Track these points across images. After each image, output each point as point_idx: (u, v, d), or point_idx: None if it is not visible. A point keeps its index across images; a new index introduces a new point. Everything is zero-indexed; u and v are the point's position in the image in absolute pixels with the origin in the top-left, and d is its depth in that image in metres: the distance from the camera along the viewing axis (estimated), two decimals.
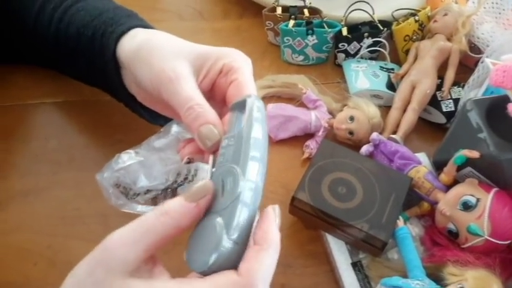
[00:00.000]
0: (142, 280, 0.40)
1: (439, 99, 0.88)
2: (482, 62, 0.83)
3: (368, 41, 0.95)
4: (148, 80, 0.56)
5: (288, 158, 0.83)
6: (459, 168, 0.70)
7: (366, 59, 0.98)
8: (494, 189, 0.66)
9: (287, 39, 0.94)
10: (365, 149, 0.78)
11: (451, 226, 0.67)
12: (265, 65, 0.98)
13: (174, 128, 0.69)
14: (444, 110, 0.87)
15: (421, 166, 0.74)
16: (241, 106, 0.48)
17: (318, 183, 0.69)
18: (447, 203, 0.67)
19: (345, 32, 0.94)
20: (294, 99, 0.90)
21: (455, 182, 0.71)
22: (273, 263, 0.42)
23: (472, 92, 0.85)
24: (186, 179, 0.69)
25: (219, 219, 0.41)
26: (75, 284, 0.40)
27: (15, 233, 0.70)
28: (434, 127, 0.89)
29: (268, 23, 0.98)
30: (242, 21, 1.07)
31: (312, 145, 0.83)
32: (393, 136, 0.82)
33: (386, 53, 0.96)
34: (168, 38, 0.60)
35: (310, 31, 0.93)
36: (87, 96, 0.86)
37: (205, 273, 0.40)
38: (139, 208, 0.65)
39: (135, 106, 0.69)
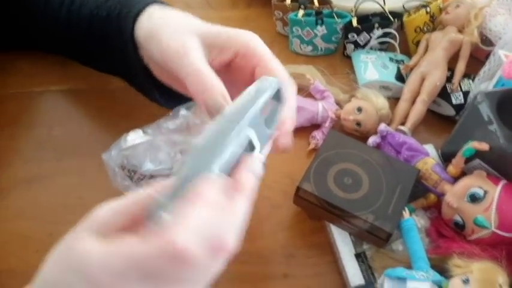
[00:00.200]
0: (98, 241, 0.38)
1: (449, 91, 0.86)
2: (493, 55, 0.82)
3: (378, 32, 0.94)
4: (159, 54, 0.56)
5: (293, 148, 0.82)
6: (467, 160, 0.69)
7: (375, 50, 0.97)
8: (503, 182, 0.65)
9: (296, 29, 0.93)
10: (372, 140, 0.77)
11: (457, 218, 0.65)
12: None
13: (183, 112, 0.68)
14: (454, 102, 0.85)
15: (428, 158, 0.72)
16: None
17: (323, 174, 0.68)
18: (454, 194, 0.66)
19: (354, 22, 0.94)
20: (302, 89, 0.89)
21: (463, 174, 0.70)
22: (208, 216, 0.37)
23: (483, 84, 0.83)
24: None
25: None
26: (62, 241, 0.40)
27: (17, 220, 0.70)
28: (443, 119, 0.87)
29: (277, 13, 0.97)
30: (250, 10, 1.07)
31: (318, 136, 0.82)
32: (401, 127, 0.81)
33: (396, 44, 0.95)
34: (180, 15, 0.60)
35: (319, 21, 0.92)
36: (93, 85, 0.86)
37: None
38: None
39: (149, 88, 0.69)
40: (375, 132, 0.78)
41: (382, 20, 0.94)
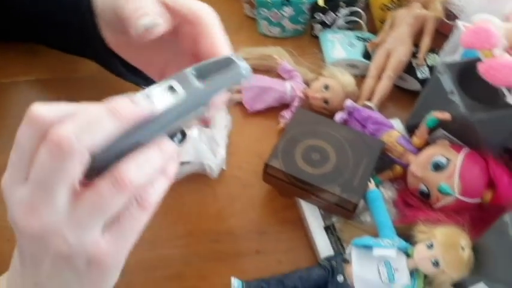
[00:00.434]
0: None
1: (415, 66, 0.88)
2: (457, 29, 0.83)
3: (344, 11, 0.94)
4: (110, 9, 0.55)
5: (263, 128, 0.83)
6: (431, 130, 0.71)
7: (342, 29, 0.97)
8: (465, 150, 0.66)
9: (263, 11, 0.94)
10: (339, 116, 0.78)
11: (422, 187, 0.67)
12: (242, 39, 0.98)
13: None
14: (419, 76, 0.86)
15: (393, 130, 0.74)
16: (222, 64, 0.44)
17: (291, 151, 0.69)
18: (418, 164, 0.67)
19: (321, 2, 0.94)
20: (271, 71, 0.90)
21: (428, 144, 0.71)
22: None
23: (447, 58, 0.85)
24: None
25: None
26: None
27: None
28: (409, 94, 0.88)
29: None
30: None
31: (287, 115, 0.83)
32: (367, 103, 0.82)
33: (362, 23, 0.96)
34: None
35: (285, 2, 0.93)
36: (59, 74, 0.86)
37: None
38: None
39: (111, 60, 0.68)
40: (343, 109, 0.79)
41: None
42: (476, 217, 0.64)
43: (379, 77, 0.86)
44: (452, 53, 0.84)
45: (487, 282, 0.58)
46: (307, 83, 0.86)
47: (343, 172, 0.67)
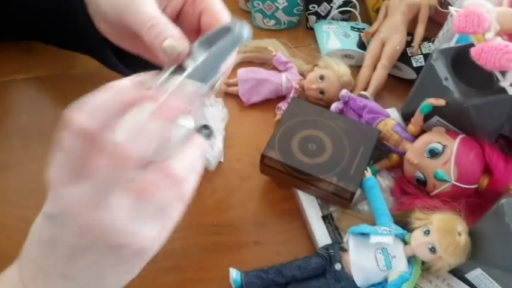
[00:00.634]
0: None
1: (410, 55, 0.88)
2: (451, 16, 0.83)
3: (338, 2, 0.94)
4: (109, 7, 0.55)
5: (260, 120, 0.84)
6: (426, 118, 0.71)
7: (337, 20, 0.98)
8: (461, 136, 0.67)
9: (257, 3, 0.94)
10: (335, 106, 0.78)
11: (419, 174, 0.67)
12: None
13: None
14: (414, 65, 0.87)
15: (389, 119, 0.74)
16: (223, 32, 0.46)
17: (288, 141, 0.69)
18: (414, 151, 0.68)
19: None
20: (266, 63, 0.90)
21: (423, 132, 0.71)
22: (102, 98, 0.41)
23: (442, 46, 0.84)
24: None
25: None
26: None
27: None
28: (405, 83, 0.88)
29: None
30: None
31: (283, 107, 0.83)
32: (363, 92, 0.82)
33: (357, 13, 0.96)
34: None
35: None
36: (56, 71, 0.86)
37: None
38: None
39: (106, 54, 0.68)
40: (338, 100, 0.79)
41: None
42: (472, 203, 0.64)
43: (374, 67, 0.86)
44: (447, 41, 0.84)
45: (484, 267, 0.58)
46: (302, 75, 0.87)
47: (340, 161, 0.67)
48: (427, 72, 0.73)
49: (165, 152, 0.40)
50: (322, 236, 0.66)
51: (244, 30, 0.45)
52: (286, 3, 0.94)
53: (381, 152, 0.73)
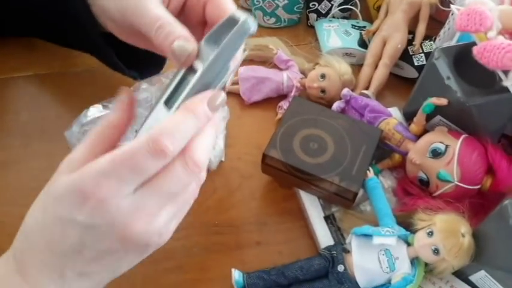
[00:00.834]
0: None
1: (411, 53, 0.87)
2: (452, 14, 0.83)
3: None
4: (115, 9, 0.55)
5: (261, 119, 0.83)
6: (429, 117, 0.70)
7: (338, 18, 0.97)
8: (463, 136, 0.66)
9: (257, 1, 0.94)
10: (336, 105, 0.78)
11: (421, 175, 0.67)
12: None
13: (144, 86, 0.68)
14: (416, 64, 0.86)
15: (391, 118, 0.73)
16: (228, 25, 0.46)
17: (289, 140, 0.69)
18: (417, 151, 0.67)
19: None
20: (267, 62, 0.90)
21: (426, 131, 0.71)
22: (188, 126, 0.42)
23: (444, 44, 0.84)
24: None
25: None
26: (40, 193, 0.45)
27: None
28: (406, 82, 0.88)
29: None
30: None
31: (285, 106, 0.83)
32: (365, 91, 0.82)
33: (357, 11, 0.96)
34: None
35: None
36: (57, 69, 0.86)
37: None
38: None
39: (107, 53, 0.68)
40: (340, 98, 0.79)
41: None
42: (476, 204, 0.64)
43: (375, 65, 0.86)
44: (448, 40, 0.84)
45: (488, 269, 0.58)
46: (303, 73, 0.86)
47: (342, 161, 0.67)
48: (428, 71, 0.72)
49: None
50: (324, 237, 0.66)
51: (250, 22, 0.44)
52: (286, 1, 0.94)
53: (383, 151, 0.73)
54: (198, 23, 0.55)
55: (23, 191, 0.71)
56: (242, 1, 1.00)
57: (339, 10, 0.96)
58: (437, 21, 0.95)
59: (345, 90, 0.78)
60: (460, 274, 0.61)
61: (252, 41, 0.91)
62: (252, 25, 0.44)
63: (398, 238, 0.60)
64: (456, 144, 0.65)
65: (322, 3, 0.94)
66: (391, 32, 0.87)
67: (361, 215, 0.68)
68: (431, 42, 0.88)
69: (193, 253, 0.67)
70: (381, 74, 0.84)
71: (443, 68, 0.68)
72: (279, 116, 0.82)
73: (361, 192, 0.66)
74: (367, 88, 0.84)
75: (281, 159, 0.67)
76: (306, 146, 0.68)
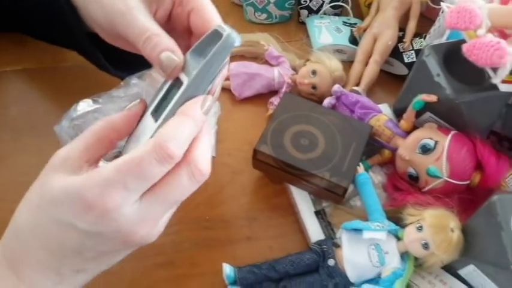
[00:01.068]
0: (75, 174, 0.42)
1: (401, 50, 0.88)
2: (442, 12, 0.83)
3: None
4: (102, 18, 0.54)
5: (252, 115, 0.83)
6: (418, 114, 0.71)
7: (329, 15, 0.98)
8: (453, 132, 0.67)
9: None
10: (327, 101, 0.78)
11: (411, 170, 0.67)
12: (229, 26, 0.97)
13: (134, 81, 0.68)
14: (406, 61, 0.87)
15: (381, 114, 0.74)
16: (213, 38, 0.47)
17: (280, 136, 0.69)
18: (406, 147, 0.68)
19: None
20: (258, 58, 0.90)
21: (415, 128, 0.71)
22: (187, 130, 0.43)
23: (434, 42, 0.85)
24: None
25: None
26: (28, 192, 0.45)
27: None
28: (396, 79, 0.89)
29: None
30: None
31: (275, 102, 0.83)
32: (355, 88, 0.82)
33: (348, 7, 0.96)
34: None
35: None
36: (47, 64, 0.85)
37: None
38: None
39: (94, 54, 0.67)
40: (331, 95, 0.79)
41: None
42: (465, 199, 0.64)
43: (366, 62, 0.86)
44: (438, 37, 0.84)
45: (477, 264, 0.58)
46: (294, 69, 0.86)
47: (332, 157, 0.67)
48: (418, 68, 0.73)
49: None
50: (315, 232, 0.66)
51: (235, 36, 0.45)
52: None
53: (373, 147, 0.73)
54: (184, 32, 0.55)
55: (13, 186, 0.70)
56: None
57: (330, 7, 0.96)
58: (427, 18, 0.96)
59: (336, 87, 0.78)
60: (449, 268, 0.62)
61: (243, 36, 0.91)
62: (237, 39, 0.45)
63: (388, 233, 0.61)
64: (445, 141, 0.65)
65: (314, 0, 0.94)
66: (382, 29, 0.87)
67: (351, 210, 0.69)
68: (422, 39, 0.89)
69: (184, 248, 0.67)
70: (371, 71, 0.84)
71: (433, 65, 0.69)
72: (270, 111, 0.82)
73: (351, 188, 0.67)
74: (357, 85, 0.84)
75: (272, 155, 0.67)
76: (296, 141, 0.69)
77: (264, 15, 0.97)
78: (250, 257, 0.66)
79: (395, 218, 0.63)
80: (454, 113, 0.67)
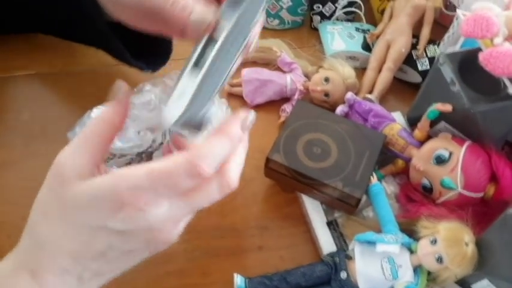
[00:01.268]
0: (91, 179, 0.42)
1: (415, 58, 0.87)
2: (457, 19, 0.83)
3: (343, 2, 0.94)
4: None
5: (264, 122, 0.83)
6: (433, 123, 0.70)
7: (341, 21, 0.97)
8: (467, 142, 0.66)
9: None
10: (340, 109, 0.78)
11: (425, 181, 0.66)
12: None
13: (147, 88, 0.68)
14: (420, 68, 0.86)
15: (395, 123, 0.73)
16: None
17: (292, 144, 0.69)
18: (421, 158, 0.67)
19: None
20: (270, 64, 0.89)
21: (430, 137, 0.71)
22: (223, 149, 0.43)
23: (448, 49, 0.84)
24: (161, 144, 0.68)
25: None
26: (40, 203, 0.45)
27: None
28: (410, 86, 0.88)
29: None
30: None
31: (288, 109, 0.82)
32: (368, 96, 0.81)
33: (361, 13, 0.95)
34: None
35: None
36: (59, 68, 0.85)
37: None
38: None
39: (113, 42, 0.67)
40: (343, 102, 0.79)
41: None
42: (479, 212, 0.63)
43: (379, 69, 0.86)
44: (452, 44, 0.83)
45: (491, 278, 0.57)
46: (307, 76, 0.86)
47: (345, 166, 0.67)
48: (433, 77, 0.72)
49: None
50: (326, 243, 0.65)
51: None
52: (290, 3, 0.93)
53: (386, 157, 0.73)
54: None
55: (24, 191, 0.70)
56: None
57: (343, 13, 0.96)
58: (441, 25, 0.95)
59: (349, 95, 0.77)
60: (463, 283, 0.61)
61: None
62: None
63: (401, 246, 0.60)
64: (460, 152, 0.64)
65: (327, 5, 0.94)
66: (396, 36, 0.86)
67: (363, 221, 0.68)
68: (435, 46, 0.88)
69: (195, 257, 0.67)
70: (384, 78, 0.84)
71: (448, 74, 0.68)
72: (282, 119, 0.82)
73: (364, 198, 0.66)
74: (370, 92, 0.83)
75: (284, 164, 0.67)
76: (309, 150, 0.68)
77: (277, 21, 0.96)
78: (261, 267, 0.65)
79: (409, 230, 0.63)
80: (469, 123, 0.66)
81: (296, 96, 0.82)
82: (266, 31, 0.98)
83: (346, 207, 0.66)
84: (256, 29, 0.46)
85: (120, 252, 0.44)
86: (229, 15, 0.44)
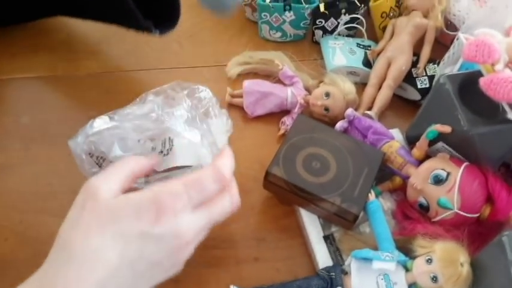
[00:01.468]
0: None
1: (414, 76, 0.88)
2: (457, 39, 0.84)
3: (345, 18, 0.95)
4: None
5: (264, 134, 0.84)
6: (431, 143, 0.71)
7: (343, 36, 0.98)
8: (465, 164, 0.67)
9: (264, 15, 0.94)
10: (339, 124, 0.78)
11: (422, 200, 0.67)
12: (243, 42, 0.98)
13: (150, 98, 0.68)
14: (419, 86, 0.87)
15: (393, 141, 0.74)
16: None
17: (292, 158, 0.69)
18: (418, 176, 0.68)
19: (322, 8, 0.94)
20: (271, 76, 0.90)
21: (428, 157, 0.71)
22: (231, 164, 0.58)
23: (447, 68, 0.85)
24: (161, 152, 0.68)
25: None
26: (72, 220, 0.49)
27: None
28: (409, 104, 0.89)
29: None
30: None
31: (288, 121, 0.83)
32: (368, 112, 0.82)
33: (363, 30, 0.96)
34: None
35: (287, 7, 0.93)
36: (61, 72, 0.86)
37: None
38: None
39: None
40: (343, 117, 0.79)
41: (349, 5, 0.95)
42: (474, 232, 0.64)
43: (379, 86, 0.87)
44: (452, 64, 0.84)
45: None
46: (308, 90, 0.87)
47: (344, 182, 0.67)
48: (433, 97, 0.73)
49: None
50: (323, 257, 0.66)
51: None
52: (293, 17, 0.94)
53: (384, 173, 0.73)
54: None
55: (22, 195, 0.71)
56: (249, 13, 1.01)
57: (345, 28, 0.96)
58: (441, 44, 0.96)
59: (349, 111, 0.78)
60: None
61: (257, 54, 0.92)
62: None
63: (397, 263, 0.61)
64: (458, 172, 0.65)
65: (329, 20, 0.94)
66: (397, 53, 0.87)
67: (360, 236, 0.69)
68: (435, 65, 0.89)
69: (191, 267, 0.67)
70: (384, 95, 0.84)
71: (449, 95, 0.69)
72: (282, 131, 0.82)
73: (361, 214, 0.67)
74: (370, 108, 0.84)
75: (284, 178, 0.67)
76: (308, 164, 0.69)
77: (279, 34, 0.97)
78: (257, 279, 0.66)
79: (405, 248, 0.63)
80: (466, 144, 0.67)
81: (296, 110, 0.83)
82: (268, 43, 0.99)
83: (343, 222, 0.67)
84: None
85: (147, 263, 0.48)
86: None
